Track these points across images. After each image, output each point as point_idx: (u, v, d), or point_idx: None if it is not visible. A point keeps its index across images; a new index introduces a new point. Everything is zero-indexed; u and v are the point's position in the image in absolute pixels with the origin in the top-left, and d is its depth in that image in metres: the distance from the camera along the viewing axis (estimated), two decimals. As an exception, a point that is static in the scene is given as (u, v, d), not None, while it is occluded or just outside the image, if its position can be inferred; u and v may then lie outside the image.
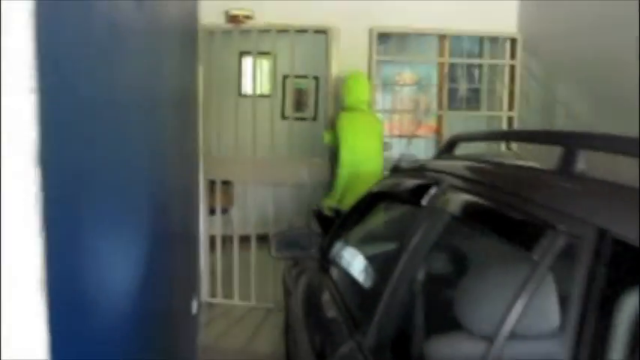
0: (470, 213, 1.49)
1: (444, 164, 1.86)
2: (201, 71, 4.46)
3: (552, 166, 1.29)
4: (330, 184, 4.27)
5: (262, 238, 4.48)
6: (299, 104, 6.17)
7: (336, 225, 2.57)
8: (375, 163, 4.12)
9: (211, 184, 4.72)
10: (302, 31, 4.78)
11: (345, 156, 3.96)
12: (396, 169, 2.47)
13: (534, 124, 4.88)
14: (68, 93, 1.14)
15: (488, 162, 1.71)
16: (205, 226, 4.80)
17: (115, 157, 1.73)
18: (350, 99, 4.14)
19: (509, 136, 1.74)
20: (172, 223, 3.39)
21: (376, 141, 4.14)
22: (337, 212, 3.95)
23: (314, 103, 6.33)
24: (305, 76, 5.96)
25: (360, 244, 2.41)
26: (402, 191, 2.04)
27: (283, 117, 5.97)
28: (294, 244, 2.64)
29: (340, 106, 4.19)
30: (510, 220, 1.29)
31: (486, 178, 1.54)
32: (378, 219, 2.53)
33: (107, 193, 1.56)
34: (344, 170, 3.96)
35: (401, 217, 2.17)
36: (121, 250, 1.75)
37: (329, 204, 4.01)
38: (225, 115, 4.61)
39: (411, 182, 1.96)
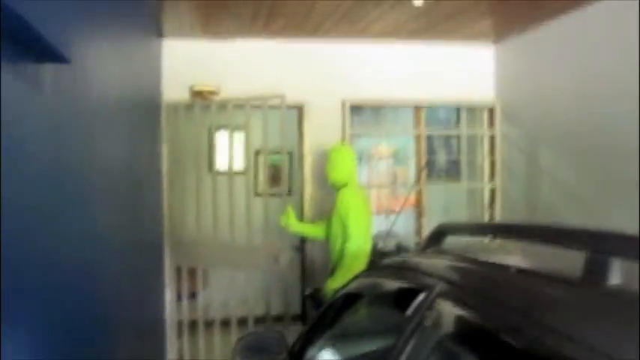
0: (466, 335, 1.18)
1: (432, 263, 1.57)
2: (165, 148, 4.20)
3: (564, 269, 1.00)
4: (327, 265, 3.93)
5: (242, 322, 4.16)
6: (274, 180, 5.93)
7: (306, 328, 2.25)
8: (369, 242, 3.85)
9: (178, 269, 4.37)
10: (271, 106, 4.59)
11: (356, 234, 3.64)
12: (373, 265, 2.17)
13: (518, 196, 4.66)
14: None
15: (486, 263, 1.42)
16: (172, 312, 4.43)
17: (69, 247, 1.53)
18: (342, 173, 3.84)
19: (510, 231, 1.44)
20: (135, 311, 3.06)
21: (370, 217, 3.89)
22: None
23: (288, 178, 6.08)
24: (278, 152, 5.75)
25: (335, 352, 2.08)
26: (384, 294, 1.74)
27: (256, 193, 5.71)
28: (262, 348, 2.30)
29: (331, 182, 3.87)
30: (518, 352, 0.99)
31: (487, 289, 1.25)
32: (355, 324, 2.20)
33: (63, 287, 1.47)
34: (352, 249, 3.64)
35: (381, 324, 1.86)
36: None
37: (333, 287, 3.67)
38: (194, 193, 4.31)
39: (393, 284, 1.66)
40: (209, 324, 4.34)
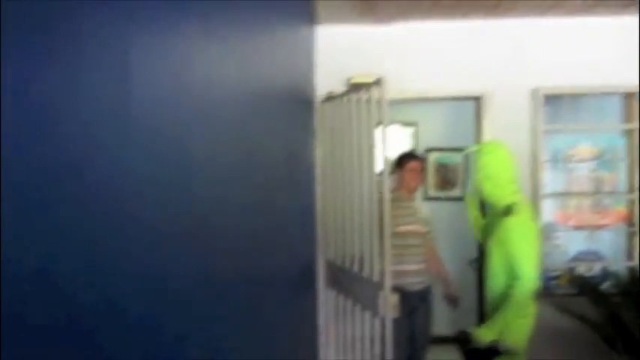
0: None
1: None
2: (318, 147, 3.60)
3: None
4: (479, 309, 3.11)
5: None
6: (444, 182, 5.20)
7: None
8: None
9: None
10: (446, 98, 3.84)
11: (529, 274, 2.80)
12: None
13: None
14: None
15: None
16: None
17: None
18: (503, 187, 2.96)
19: None
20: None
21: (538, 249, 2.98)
22: (493, 350, 2.81)
23: (462, 181, 5.30)
24: (453, 149, 5.08)
25: None
26: None
27: (426, 197, 5.01)
28: None
29: (488, 199, 3.04)
30: None
31: None
32: None
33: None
34: (523, 293, 2.79)
35: None
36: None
37: (487, 337, 2.85)
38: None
39: None
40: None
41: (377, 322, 2.69)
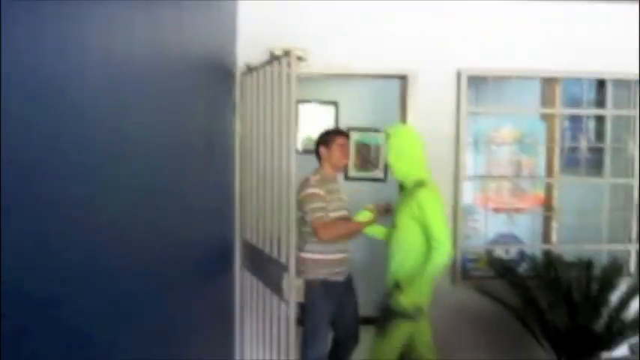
0: None
1: None
2: (238, 121, 3.42)
3: None
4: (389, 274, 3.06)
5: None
6: (365, 162, 5.13)
7: None
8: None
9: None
10: (370, 76, 3.74)
11: (445, 242, 2.83)
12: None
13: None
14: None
15: None
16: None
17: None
18: (414, 165, 3.00)
19: None
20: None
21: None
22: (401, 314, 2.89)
23: (384, 162, 5.24)
24: (372, 130, 5.05)
25: None
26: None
27: (346, 177, 4.92)
28: None
29: (400, 176, 3.03)
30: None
31: None
32: None
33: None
34: (441, 260, 2.82)
35: None
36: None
37: (410, 301, 2.85)
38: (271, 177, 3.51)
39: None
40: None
41: (283, 307, 2.57)
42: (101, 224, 1.17)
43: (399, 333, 2.93)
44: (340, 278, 3.25)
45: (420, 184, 2.93)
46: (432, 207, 2.86)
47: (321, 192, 3.16)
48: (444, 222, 2.88)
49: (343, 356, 3.36)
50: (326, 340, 3.23)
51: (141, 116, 1.50)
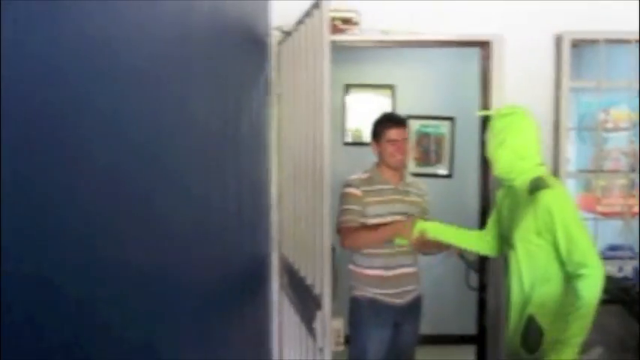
0: None
1: None
2: (275, 103, 2.75)
3: None
4: None
5: None
6: (426, 156, 4.35)
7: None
8: None
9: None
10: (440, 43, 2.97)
11: (596, 264, 2.01)
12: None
13: None
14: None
15: None
16: None
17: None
18: (526, 159, 2.18)
19: None
20: None
21: None
22: None
23: (449, 155, 4.42)
24: (439, 117, 4.31)
25: None
26: None
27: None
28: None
29: (504, 172, 2.20)
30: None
31: None
32: None
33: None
34: (594, 292, 2.00)
35: None
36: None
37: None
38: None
39: None
40: None
41: (315, 351, 1.83)
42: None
43: None
44: (398, 301, 2.58)
45: (538, 183, 2.11)
46: (569, 216, 2.04)
47: (358, 192, 2.58)
48: (588, 235, 2.07)
49: None
50: None
51: (143, 105, 1.09)
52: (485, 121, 2.89)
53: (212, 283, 1.71)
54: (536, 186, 2.10)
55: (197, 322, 1.52)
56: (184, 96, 1.38)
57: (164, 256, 1.22)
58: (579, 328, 2.01)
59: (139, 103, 1.06)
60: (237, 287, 2.15)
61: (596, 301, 2.00)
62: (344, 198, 2.60)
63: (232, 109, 2.04)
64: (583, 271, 1.99)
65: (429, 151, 4.41)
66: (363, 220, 2.56)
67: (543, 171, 2.20)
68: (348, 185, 2.61)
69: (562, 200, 2.05)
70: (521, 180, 2.17)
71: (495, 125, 2.24)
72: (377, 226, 2.54)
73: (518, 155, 2.16)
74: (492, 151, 2.23)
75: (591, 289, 1.98)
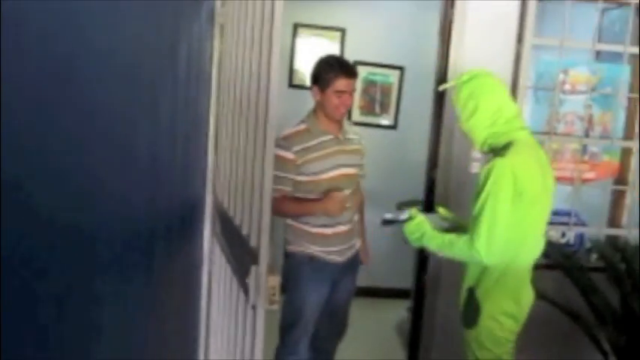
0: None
1: None
2: (217, 46, 2.51)
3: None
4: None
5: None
6: (371, 105, 4.20)
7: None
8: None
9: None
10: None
11: (485, 246, 1.87)
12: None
13: None
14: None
15: None
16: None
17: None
18: (493, 123, 1.97)
19: None
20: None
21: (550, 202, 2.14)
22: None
23: (395, 106, 4.27)
24: (385, 65, 4.18)
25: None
26: None
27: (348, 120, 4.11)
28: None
29: (474, 141, 2.04)
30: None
31: None
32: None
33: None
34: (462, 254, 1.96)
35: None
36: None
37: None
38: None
39: None
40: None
41: (247, 309, 1.67)
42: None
43: None
44: (339, 258, 2.45)
45: (501, 151, 1.93)
46: (499, 190, 1.85)
47: (290, 155, 2.36)
48: (498, 223, 1.87)
49: (324, 349, 2.69)
50: (307, 333, 2.53)
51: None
52: (439, 77, 2.74)
53: (136, 224, 1.51)
54: (497, 153, 1.95)
55: (117, 272, 1.32)
56: (111, 13, 1.15)
57: (79, 188, 1.01)
58: (436, 246, 2.04)
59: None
60: (165, 230, 1.95)
61: (463, 258, 2.01)
62: (275, 161, 2.36)
63: (169, 37, 1.80)
64: (475, 241, 1.89)
65: (375, 100, 4.25)
66: (301, 178, 2.38)
67: (522, 136, 1.99)
68: (280, 146, 2.32)
69: (505, 172, 1.86)
70: (499, 144, 1.99)
71: (461, 96, 2.01)
72: (307, 200, 2.39)
73: (492, 121, 1.96)
74: (466, 125, 2.02)
75: (471, 255, 1.91)
